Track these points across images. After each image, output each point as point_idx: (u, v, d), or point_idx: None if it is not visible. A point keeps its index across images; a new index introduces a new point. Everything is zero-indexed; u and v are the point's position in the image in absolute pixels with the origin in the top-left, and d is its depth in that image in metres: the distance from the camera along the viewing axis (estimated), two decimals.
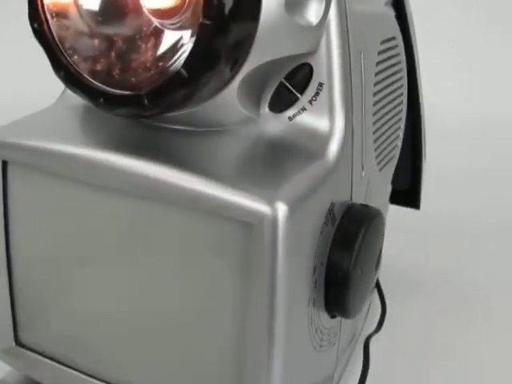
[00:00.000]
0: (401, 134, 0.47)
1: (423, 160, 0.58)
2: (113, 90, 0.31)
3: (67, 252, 0.35)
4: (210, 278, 0.31)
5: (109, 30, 0.31)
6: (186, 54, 0.29)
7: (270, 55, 0.31)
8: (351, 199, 0.36)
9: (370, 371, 0.45)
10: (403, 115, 0.46)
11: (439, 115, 0.95)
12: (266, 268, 0.30)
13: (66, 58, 0.32)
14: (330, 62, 0.33)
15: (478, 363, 0.50)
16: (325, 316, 0.35)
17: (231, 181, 0.30)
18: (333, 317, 0.36)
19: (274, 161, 0.33)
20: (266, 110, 0.34)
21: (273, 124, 0.34)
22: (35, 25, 0.32)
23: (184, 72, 0.29)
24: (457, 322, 0.55)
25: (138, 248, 0.33)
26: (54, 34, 0.32)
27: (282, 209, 0.29)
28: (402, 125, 0.47)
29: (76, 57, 0.32)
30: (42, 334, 0.38)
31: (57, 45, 0.32)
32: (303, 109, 0.34)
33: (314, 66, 0.33)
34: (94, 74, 0.31)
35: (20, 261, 0.37)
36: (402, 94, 0.45)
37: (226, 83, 0.31)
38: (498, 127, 0.98)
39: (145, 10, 0.29)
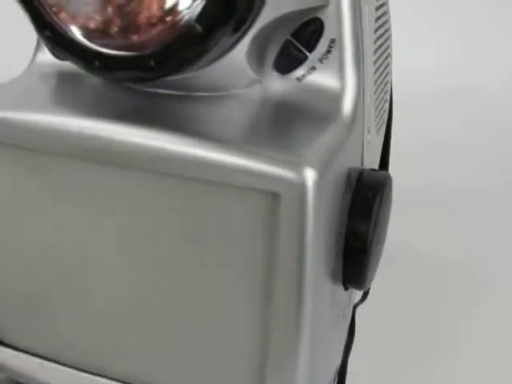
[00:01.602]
0: (388, 97, 0.45)
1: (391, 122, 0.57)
2: (111, 52, 0.27)
3: (57, 241, 0.31)
4: (232, 258, 0.29)
5: None
6: (200, 7, 0.25)
7: (284, 7, 0.29)
8: (362, 164, 0.34)
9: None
10: (390, 78, 0.45)
11: (417, 82, 0.95)
12: (294, 241, 0.27)
13: (50, 15, 0.28)
14: (341, 16, 0.31)
15: (464, 330, 0.49)
16: (340, 288, 0.33)
17: (250, 147, 0.27)
18: (346, 289, 0.35)
19: (288, 124, 0.30)
20: (272, 71, 0.32)
21: (280, 86, 0.32)
22: None
23: (198, 26, 0.26)
24: (441, 290, 0.54)
25: (144, 228, 0.30)
26: None
27: (311, 175, 0.26)
28: (390, 87, 0.45)
29: (63, 13, 0.28)
30: (31, 330, 0.34)
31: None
32: (313, 68, 0.31)
33: (324, 21, 0.31)
34: (87, 33, 0.28)
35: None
36: (390, 55, 0.43)
37: (238, 40, 0.28)
38: (473, 96, 0.98)
39: None
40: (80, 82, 0.33)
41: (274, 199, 0.27)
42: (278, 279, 0.28)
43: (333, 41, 0.31)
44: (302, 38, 0.31)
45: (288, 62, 0.31)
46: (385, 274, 0.53)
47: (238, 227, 0.28)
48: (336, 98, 0.31)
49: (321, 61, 0.31)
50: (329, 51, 0.31)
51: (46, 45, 0.29)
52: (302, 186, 0.26)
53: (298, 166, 0.27)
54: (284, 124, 0.30)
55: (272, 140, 0.29)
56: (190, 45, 0.26)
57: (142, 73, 0.27)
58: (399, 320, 0.50)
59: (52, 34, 0.28)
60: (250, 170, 0.27)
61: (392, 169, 0.56)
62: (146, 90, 0.32)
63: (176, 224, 0.29)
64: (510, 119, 0.91)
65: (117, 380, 0.33)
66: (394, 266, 0.57)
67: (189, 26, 0.26)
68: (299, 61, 0.31)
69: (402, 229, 0.63)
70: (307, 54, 0.31)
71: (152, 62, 0.27)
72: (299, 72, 0.31)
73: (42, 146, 0.30)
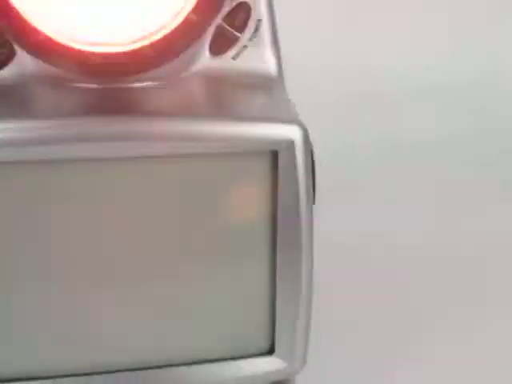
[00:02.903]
0: None
1: None
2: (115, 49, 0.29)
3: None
4: (240, 221, 0.32)
5: None
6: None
7: None
8: None
9: None
10: None
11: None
12: (291, 192, 0.32)
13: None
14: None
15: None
16: None
17: (243, 116, 0.31)
18: None
19: (247, 95, 0.34)
20: (208, 53, 0.35)
21: (218, 65, 0.35)
22: None
23: (194, 16, 0.29)
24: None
25: (153, 210, 0.32)
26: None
27: (300, 132, 0.32)
28: None
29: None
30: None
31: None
32: (245, 47, 0.36)
33: (251, 4, 0.35)
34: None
35: None
36: None
37: None
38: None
39: None
40: (23, 88, 0.33)
41: (272, 158, 0.31)
42: (280, 227, 0.32)
43: (259, 21, 0.36)
44: (232, 22, 0.35)
45: (222, 44, 0.35)
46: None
47: (243, 190, 0.32)
48: (268, 71, 0.36)
49: (251, 39, 0.36)
50: (256, 30, 0.36)
51: None
52: (295, 142, 0.31)
53: (289, 126, 0.31)
54: (244, 95, 0.34)
55: (256, 108, 0.33)
56: (186, 33, 0.29)
57: (142, 64, 0.29)
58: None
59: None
60: (251, 135, 0.31)
61: None
62: (110, 86, 0.33)
63: (190, 197, 0.32)
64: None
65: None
66: None
67: (186, 17, 0.29)
68: (232, 42, 0.36)
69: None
70: (238, 35, 0.35)
71: (152, 52, 0.29)
72: (233, 52, 0.36)
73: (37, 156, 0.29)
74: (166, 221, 0.32)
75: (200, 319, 0.34)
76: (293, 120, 0.32)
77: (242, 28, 0.35)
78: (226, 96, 0.35)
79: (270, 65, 0.36)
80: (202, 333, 0.34)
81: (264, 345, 0.35)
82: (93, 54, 0.28)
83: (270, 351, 0.35)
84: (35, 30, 0.27)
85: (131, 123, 0.30)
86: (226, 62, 0.35)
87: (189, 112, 0.31)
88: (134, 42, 0.29)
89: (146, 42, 0.29)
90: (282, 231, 0.33)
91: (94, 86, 0.32)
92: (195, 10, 0.29)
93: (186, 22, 0.29)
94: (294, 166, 0.32)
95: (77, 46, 0.28)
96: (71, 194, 0.30)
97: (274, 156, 0.31)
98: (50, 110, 0.31)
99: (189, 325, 0.34)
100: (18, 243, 0.30)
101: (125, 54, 0.29)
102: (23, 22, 0.27)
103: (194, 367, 0.35)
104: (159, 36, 0.29)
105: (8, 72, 0.33)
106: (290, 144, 0.31)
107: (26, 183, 0.30)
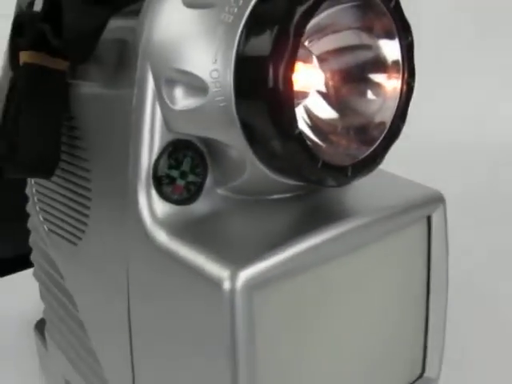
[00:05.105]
0: None
1: None
2: (355, 160, 0.35)
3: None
4: (410, 273, 0.42)
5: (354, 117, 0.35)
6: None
7: None
8: None
9: None
10: None
11: None
12: (442, 245, 0.42)
13: (319, 149, 0.33)
14: None
15: None
16: None
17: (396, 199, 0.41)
18: None
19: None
20: None
21: None
22: (297, 132, 0.32)
23: (402, 124, 0.37)
24: None
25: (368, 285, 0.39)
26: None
27: (441, 196, 0.42)
28: None
29: (324, 145, 0.34)
30: None
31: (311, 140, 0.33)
32: None
33: None
34: (336, 153, 0.35)
35: None
36: None
37: None
38: None
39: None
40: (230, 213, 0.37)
41: (427, 221, 0.42)
42: (434, 280, 0.43)
43: None
44: None
45: None
46: None
47: (411, 250, 0.41)
48: None
49: None
50: None
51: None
52: (441, 205, 0.42)
53: (434, 194, 0.42)
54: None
55: (396, 189, 0.42)
56: (395, 140, 0.37)
57: (372, 167, 0.36)
58: None
59: (323, 164, 0.33)
60: (415, 206, 0.41)
61: None
62: (287, 195, 0.38)
63: (379, 265, 0.39)
64: None
65: None
66: None
67: (396, 127, 0.37)
68: None
69: None
70: None
71: (378, 159, 0.37)
72: None
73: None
74: (374, 285, 0.39)
75: (377, 367, 0.42)
76: (429, 188, 0.42)
77: None
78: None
79: None
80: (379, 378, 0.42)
81: (418, 370, 0.44)
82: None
83: (422, 373, 0.45)
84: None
85: (352, 222, 0.37)
86: None
87: (370, 203, 0.39)
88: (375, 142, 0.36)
89: (376, 151, 0.36)
90: (434, 277, 0.43)
91: (288, 194, 0.38)
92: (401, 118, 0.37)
93: (396, 131, 0.37)
94: (443, 224, 0.42)
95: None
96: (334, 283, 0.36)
97: (428, 220, 0.41)
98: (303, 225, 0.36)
99: (371, 372, 0.41)
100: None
101: (364, 161, 0.35)
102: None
103: None
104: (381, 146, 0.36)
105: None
106: (440, 207, 0.42)
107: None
